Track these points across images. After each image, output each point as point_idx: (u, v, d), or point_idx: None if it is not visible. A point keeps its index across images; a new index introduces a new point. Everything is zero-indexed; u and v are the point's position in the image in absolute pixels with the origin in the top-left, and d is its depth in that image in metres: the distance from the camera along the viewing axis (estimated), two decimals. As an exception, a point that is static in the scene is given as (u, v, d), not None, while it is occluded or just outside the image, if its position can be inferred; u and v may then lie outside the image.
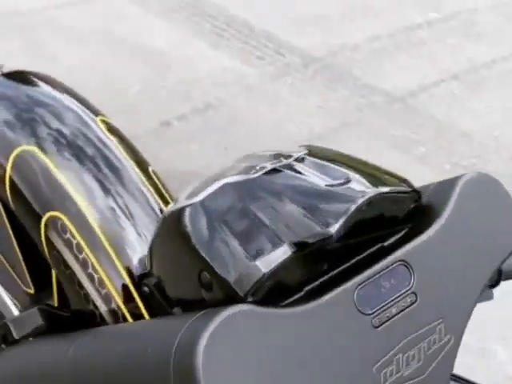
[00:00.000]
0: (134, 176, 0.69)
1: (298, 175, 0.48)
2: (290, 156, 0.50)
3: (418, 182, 0.58)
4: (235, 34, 2.81)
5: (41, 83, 0.75)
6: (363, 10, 3.06)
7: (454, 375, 0.61)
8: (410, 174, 0.56)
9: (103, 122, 0.72)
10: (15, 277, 0.83)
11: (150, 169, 0.71)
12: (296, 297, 0.46)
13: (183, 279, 0.49)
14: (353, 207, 0.46)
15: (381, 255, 0.49)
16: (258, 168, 0.48)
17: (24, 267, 0.80)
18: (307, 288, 0.47)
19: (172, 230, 0.50)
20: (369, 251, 0.50)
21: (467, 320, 0.52)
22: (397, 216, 0.52)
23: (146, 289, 0.54)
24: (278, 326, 0.44)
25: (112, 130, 0.72)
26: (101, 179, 0.67)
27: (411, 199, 0.53)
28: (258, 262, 0.44)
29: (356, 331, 0.47)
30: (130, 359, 0.46)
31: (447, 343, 0.50)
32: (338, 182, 0.48)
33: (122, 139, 0.72)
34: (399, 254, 0.49)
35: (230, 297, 0.44)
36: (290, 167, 0.49)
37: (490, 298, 0.60)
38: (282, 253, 0.44)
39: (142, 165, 0.71)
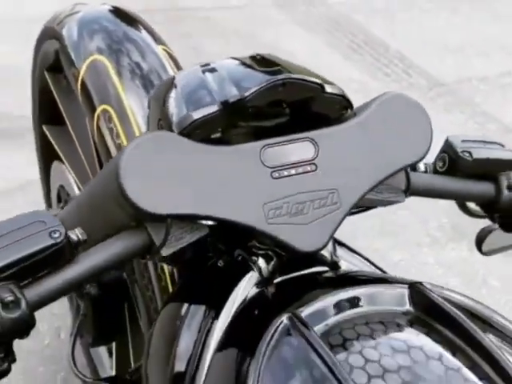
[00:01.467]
0: None
1: (242, 65, 0.66)
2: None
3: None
4: (370, 51, 3.00)
5: (124, 16, 1.05)
6: (500, 46, 3.11)
7: (336, 240, 0.73)
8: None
9: (164, 50, 0.99)
10: (87, 167, 1.10)
11: None
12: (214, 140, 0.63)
13: (154, 125, 0.68)
14: (271, 80, 0.62)
15: (295, 131, 0.63)
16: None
17: (97, 162, 1.06)
18: (226, 137, 0.63)
19: (153, 96, 0.72)
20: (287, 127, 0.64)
21: (357, 199, 0.63)
22: (326, 115, 0.65)
23: None
24: (191, 152, 0.59)
25: (171, 56, 0.98)
26: (147, 87, 0.93)
27: (339, 103, 0.65)
28: (193, 113, 0.61)
29: (256, 176, 0.60)
30: (102, 180, 0.62)
31: (334, 210, 0.61)
32: (271, 69, 0.65)
33: (176, 63, 0.98)
34: (311, 133, 0.63)
35: None
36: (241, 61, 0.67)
37: (400, 201, 0.69)
38: (211, 108, 0.61)
39: None
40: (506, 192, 0.72)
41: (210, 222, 0.63)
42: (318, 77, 0.66)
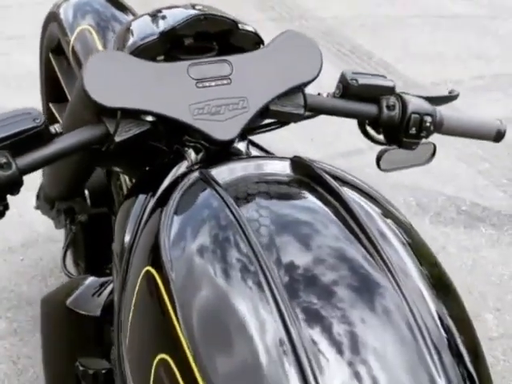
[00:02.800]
0: None
1: (179, 8, 0.92)
2: None
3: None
4: (355, 60, 3.30)
5: (114, 2, 1.34)
6: (478, 54, 3.39)
7: (251, 141, 0.96)
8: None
9: None
10: None
11: None
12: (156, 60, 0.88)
13: None
14: (196, 14, 0.87)
15: (217, 55, 0.89)
16: None
17: None
18: (162, 58, 0.88)
19: (116, 35, 0.99)
20: (210, 52, 0.90)
21: (262, 105, 0.86)
22: (242, 47, 0.90)
23: None
24: (136, 65, 0.83)
25: None
26: None
27: (252, 39, 0.91)
28: (139, 40, 0.88)
29: (184, 85, 0.83)
30: None
31: (244, 112, 0.85)
32: (200, 10, 0.89)
33: None
34: (228, 56, 0.87)
35: None
36: None
37: (300, 113, 0.91)
38: (152, 37, 0.87)
39: None
40: (385, 111, 1.00)
41: (150, 118, 0.85)
42: (235, 18, 0.93)
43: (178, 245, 0.74)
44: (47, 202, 1.46)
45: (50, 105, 1.53)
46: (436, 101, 1.09)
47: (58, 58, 1.45)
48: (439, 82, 3.10)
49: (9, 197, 0.83)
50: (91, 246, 1.39)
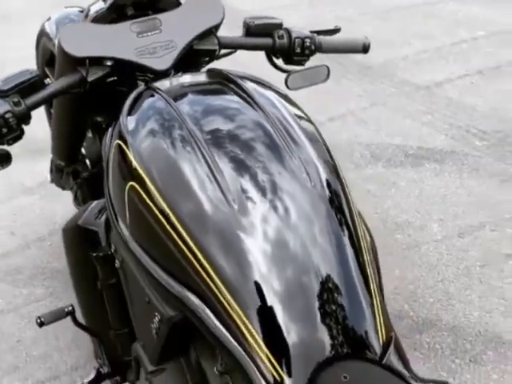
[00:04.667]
0: None
1: None
2: None
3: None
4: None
5: None
6: (423, 35, 3.84)
7: None
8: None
9: None
10: None
11: None
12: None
13: None
14: None
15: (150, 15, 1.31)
16: None
17: None
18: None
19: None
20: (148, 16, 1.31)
21: (185, 44, 1.25)
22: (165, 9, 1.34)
23: None
24: (95, 27, 1.24)
25: None
26: None
27: (173, 4, 1.35)
28: (94, 13, 1.35)
29: (129, 36, 1.23)
30: None
31: (173, 50, 1.24)
32: None
33: None
34: (158, 15, 1.28)
35: None
36: None
37: (215, 48, 1.31)
38: (103, 9, 1.31)
39: None
40: (277, 40, 1.42)
41: (109, 63, 1.21)
42: None
43: (132, 124, 1.16)
44: (57, 171, 1.90)
45: (45, 68, 1.93)
46: (320, 33, 1.53)
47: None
48: (389, 60, 3.55)
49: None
50: (92, 194, 1.82)
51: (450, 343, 1.86)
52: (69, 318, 1.42)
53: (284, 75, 1.46)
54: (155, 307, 1.08)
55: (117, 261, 1.26)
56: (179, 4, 1.39)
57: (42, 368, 1.89)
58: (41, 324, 1.40)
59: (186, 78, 1.24)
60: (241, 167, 1.02)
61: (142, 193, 1.05)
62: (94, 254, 1.35)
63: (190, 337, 1.13)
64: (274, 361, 0.91)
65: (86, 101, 1.42)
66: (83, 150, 1.78)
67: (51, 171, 2.04)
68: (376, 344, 0.95)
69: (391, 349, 0.97)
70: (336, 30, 1.57)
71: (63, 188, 2.02)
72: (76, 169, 1.83)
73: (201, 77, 1.24)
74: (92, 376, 1.51)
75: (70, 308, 1.43)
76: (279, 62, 1.51)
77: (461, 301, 2.00)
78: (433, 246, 2.22)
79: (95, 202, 1.41)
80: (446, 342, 1.87)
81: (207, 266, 0.96)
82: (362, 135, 2.89)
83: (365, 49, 1.53)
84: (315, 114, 3.16)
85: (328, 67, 1.50)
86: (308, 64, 1.48)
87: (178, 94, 1.16)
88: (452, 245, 2.22)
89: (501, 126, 2.86)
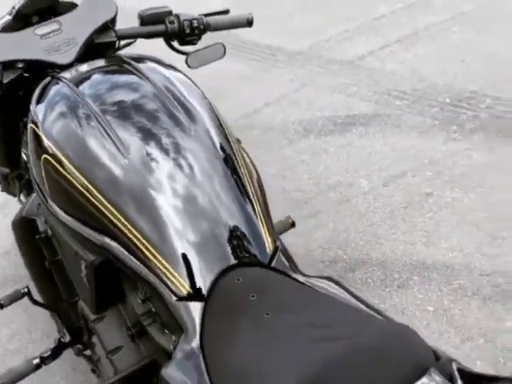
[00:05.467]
0: None
1: None
2: None
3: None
4: (246, 48, 3.99)
5: None
6: (345, 17, 4.08)
7: None
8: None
9: None
10: None
11: None
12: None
13: None
14: None
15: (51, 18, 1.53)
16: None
17: None
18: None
19: None
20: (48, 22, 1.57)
21: (83, 41, 1.47)
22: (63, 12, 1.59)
23: None
24: (8, 35, 1.49)
25: None
26: None
27: (71, 7, 1.57)
28: (2, 24, 1.58)
29: (35, 39, 1.46)
30: None
31: (74, 46, 1.48)
32: None
33: None
34: (57, 18, 1.51)
35: None
36: None
37: (114, 39, 1.54)
38: (9, 20, 1.53)
39: None
40: (169, 25, 1.63)
41: (20, 65, 1.43)
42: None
43: (41, 108, 1.34)
44: (4, 179, 2.09)
45: None
46: (210, 15, 1.74)
47: None
48: (315, 44, 3.79)
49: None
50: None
51: (380, 276, 2.07)
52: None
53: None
54: (81, 256, 1.28)
55: (49, 230, 1.46)
56: (76, 6, 1.60)
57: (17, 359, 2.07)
58: (1, 306, 1.59)
59: (86, 67, 1.43)
60: (138, 132, 1.22)
61: (55, 163, 1.25)
62: (37, 237, 1.55)
63: (121, 286, 1.33)
64: (178, 277, 1.11)
65: (9, 105, 1.62)
66: (24, 155, 1.97)
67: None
68: (264, 252, 1.16)
69: (277, 255, 1.18)
70: (224, 12, 1.77)
71: (14, 195, 2.21)
72: (20, 173, 2.03)
73: (99, 63, 1.44)
74: (53, 345, 1.70)
75: (26, 289, 1.62)
76: (176, 44, 1.72)
77: (387, 239, 2.22)
78: (361, 198, 2.44)
79: (34, 195, 1.57)
80: (376, 276, 2.08)
81: (117, 213, 1.16)
82: (295, 114, 3.11)
83: (249, 23, 1.74)
84: (252, 102, 3.41)
85: (224, 44, 1.70)
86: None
87: (79, 80, 1.37)
88: (378, 194, 2.45)
89: (419, 86, 3.10)
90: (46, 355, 1.66)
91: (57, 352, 1.70)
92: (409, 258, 2.12)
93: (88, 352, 1.70)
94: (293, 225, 1.68)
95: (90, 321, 1.41)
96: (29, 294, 1.64)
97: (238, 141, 1.40)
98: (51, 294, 1.68)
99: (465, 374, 0.88)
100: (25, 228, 1.62)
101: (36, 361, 1.63)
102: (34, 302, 1.67)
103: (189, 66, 1.67)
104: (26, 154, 1.95)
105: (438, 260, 2.08)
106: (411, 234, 2.22)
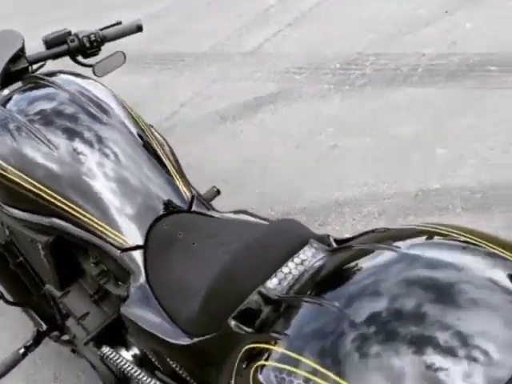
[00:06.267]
0: None
1: None
2: None
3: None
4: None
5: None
6: (239, 14, 4.44)
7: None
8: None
9: None
10: None
11: None
12: None
13: None
14: None
15: None
16: None
17: None
18: None
19: None
20: None
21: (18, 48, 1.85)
22: None
23: None
24: None
25: None
26: None
27: None
28: None
29: None
30: None
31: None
32: None
33: None
34: None
35: None
36: None
37: (28, 68, 1.90)
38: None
39: None
40: (70, 44, 1.92)
41: None
42: None
43: None
44: None
45: None
46: (104, 28, 2.03)
47: None
48: (215, 44, 4.13)
49: None
50: None
51: (304, 220, 2.42)
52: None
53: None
54: (36, 241, 1.57)
55: (7, 231, 1.75)
56: None
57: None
58: None
59: (7, 91, 1.69)
60: (62, 131, 1.52)
61: (0, 171, 1.54)
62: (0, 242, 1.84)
63: (77, 262, 1.63)
64: (118, 234, 1.42)
65: None
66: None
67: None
68: (183, 201, 1.49)
69: (194, 202, 1.51)
70: (117, 23, 2.07)
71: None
72: None
73: (19, 85, 1.71)
74: (33, 336, 1.98)
75: None
76: (82, 59, 2.00)
77: (306, 190, 2.57)
78: (279, 163, 2.80)
79: None
80: (301, 221, 2.42)
81: (58, 196, 1.46)
82: (210, 107, 3.45)
83: (139, 28, 2.03)
84: (170, 106, 3.66)
85: (123, 53, 1.99)
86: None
87: (4, 101, 1.64)
88: (292, 155, 2.80)
89: (312, 60, 3.48)
90: (28, 345, 1.95)
91: (38, 341, 1.99)
92: (325, 201, 2.48)
93: (65, 337, 1.99)
94: (218, 192, 2.01)
95: (58, 298, 1.70)
96: (2, 296, 1.93)
97: (151, 125, 1.73)
98: (21, 292, 1.97)
99: (339, 241, 1.21)
100: None
101: (22, 350, 1.92)
102: (7, 301, 1.96)
103: (96, 75, 1.91)
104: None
105: (349, 196, 2.44)
106: (324, 181, 2.58)
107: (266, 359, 0.96)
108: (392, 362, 0.81)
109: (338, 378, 0.83)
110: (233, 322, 1.08)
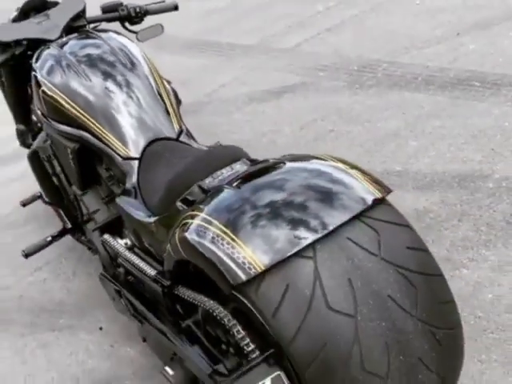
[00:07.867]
0: None
1: None
2: None
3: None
4: (212, 48, 4.90)
5: None
6: (287, 14, 4.99)
7: None
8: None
9: None
10: None
11: None
12: None
13: None
14: None
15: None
16: None
17: None
18: None
19: None
20: None
21: (62, 29, 2.37)
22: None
23: None
24: (8, 26, 2.44)
25: None
26: None
27: (54, 3, 2.52)
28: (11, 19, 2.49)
29: (31, 25, 2.38)
30: None
31: (54, 28, 2.43)
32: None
33: None
34: (47, 11, 2.46)
35: None
36: None
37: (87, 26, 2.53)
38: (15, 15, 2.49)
39: None
40: (120, 12, 2.53)
41: (25, 42, 2.32)
42: None
43: (39, 62, 2.24)
44: (22, 135, 2.97)
45: None
46: (149, 5, 2.63)
47: None
48: (263, 39, 4.69)
49: None
50: None
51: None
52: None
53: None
54: (67, 146, 2.17)
55: (49, 140, 2.36)
56: (58, 4, 2.51)
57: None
58: (24, 205, 2.56)
59: (66, 39, 2.29)
60: (100, 72, 2.13)
61: (48, 92, 2.15)
62: (44, 158, 2.45)
63: (96, 170, 2.23)
64: (123, 146, 2.01)
65: (20, 72, 2.51)
66: (33, 112, 2.86)
67: (18, 137, 3.12)
68: (174, 132, 2.06)
69: (183, 134, 2.08)
70: (160, 1, 2.67)
71: (28, 147, 3.10)
72: (32, 128, 2.92)
73: (75, 34, 2.33)
74: (59, 230, 2.59)
75: (39, 194, 2.56)
76: (128, 25, 2.61)
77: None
78: (284, 139, 3.32)
79: (42, 133, 2.48)
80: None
81: (86, 114, 2.06)
82: (244, 90, 4.01)
83: (175, 7, 2.62)
84: (212, 85, 4.29)
85: (162, 25, 2.60)
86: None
87: (62, 45, 2.25)
88: (295, 135, 3.33)
89: (337, 60, 3.99)
90: (54, 235, 2.56)
91: (62, 234, 2.60)
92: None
93: (83, 238, 2.59)
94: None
95: (79, 196, 2.32)
96: (41, 196, 2.57)
97: (168, 82, 2.31)
98: (56, 195, 2.58)
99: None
100: (37, 157, 2.54)
101: (49, 238, 2.53)
102: (45, 202, 2.59)
103: (139, 40, 2.57)
104: (33, 106, 2.86)
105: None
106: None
107: (192, 219, 1.49)
108: (271, 231, 1.28)
109: (234, 236, 1.32)
110: (178, 204, 1.63)
